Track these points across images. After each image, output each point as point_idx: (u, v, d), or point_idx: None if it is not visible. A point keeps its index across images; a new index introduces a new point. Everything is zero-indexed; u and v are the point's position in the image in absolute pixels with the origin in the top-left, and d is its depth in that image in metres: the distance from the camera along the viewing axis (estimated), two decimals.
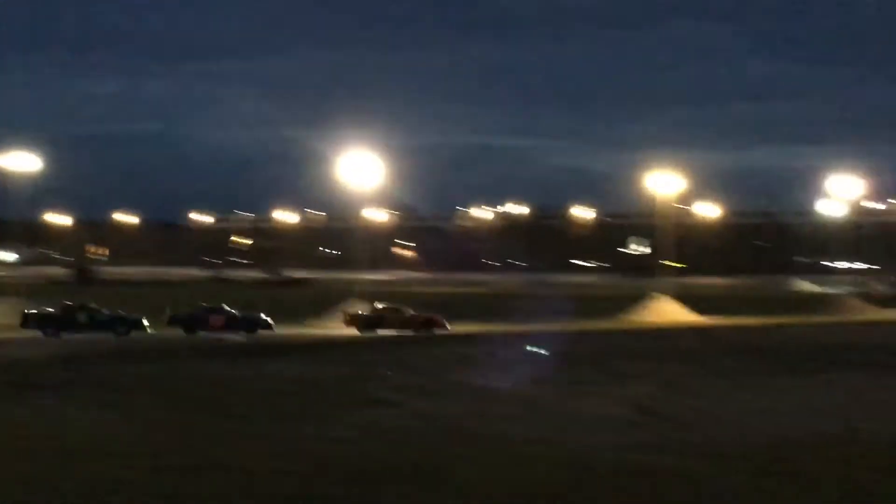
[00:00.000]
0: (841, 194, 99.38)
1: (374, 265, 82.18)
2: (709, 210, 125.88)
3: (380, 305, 40.32)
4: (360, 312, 39.47)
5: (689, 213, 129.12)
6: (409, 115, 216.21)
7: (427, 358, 24.01)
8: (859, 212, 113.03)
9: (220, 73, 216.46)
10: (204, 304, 37.73)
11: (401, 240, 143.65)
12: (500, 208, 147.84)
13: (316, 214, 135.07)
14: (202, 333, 34.44)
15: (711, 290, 76.13)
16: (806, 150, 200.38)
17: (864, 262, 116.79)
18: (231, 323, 35.73)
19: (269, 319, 36.58)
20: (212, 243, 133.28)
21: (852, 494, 9.34)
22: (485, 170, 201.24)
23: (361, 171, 54.49)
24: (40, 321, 34.35)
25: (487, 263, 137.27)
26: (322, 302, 44.91)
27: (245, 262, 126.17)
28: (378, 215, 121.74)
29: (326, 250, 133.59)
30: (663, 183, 65.16)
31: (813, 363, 23.14)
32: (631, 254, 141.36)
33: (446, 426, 13.85)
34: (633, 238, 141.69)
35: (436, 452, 11.37)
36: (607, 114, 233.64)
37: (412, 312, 39.28)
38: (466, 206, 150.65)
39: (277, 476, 9.80)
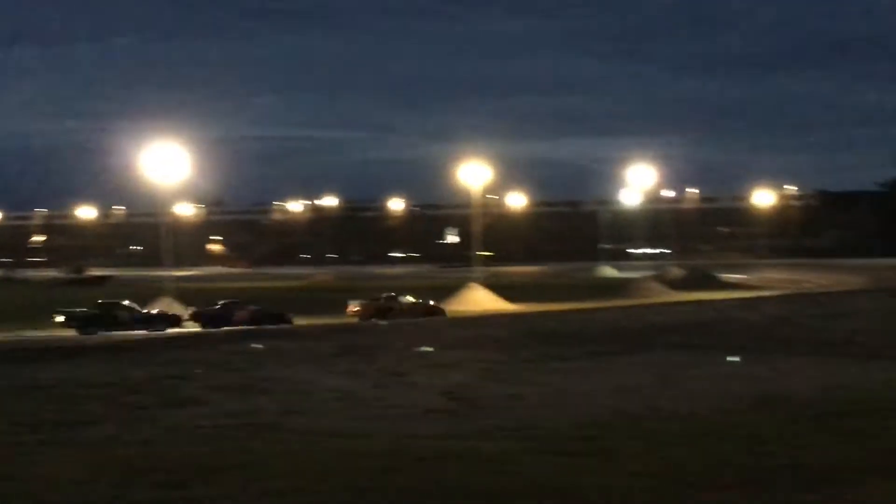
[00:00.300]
0: (638, 184, 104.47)
1: (183, 261, 79.91)
2: (518, 200, 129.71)
3: (384, 296, 45.50)
4: (365, 303, 44.08)
5: (499, 203, 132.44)
6: (218, 106, 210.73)
7: (242, 354, 23.48)
8: (655, 200, 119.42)
9: (13, 61, 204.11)
10: (230, 300, 39.14)
11: (213, 234, 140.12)
12: (315, 201, 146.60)
13: (118, 210, 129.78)
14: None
15: (521, 278, 78.38)
16: (608, 142, 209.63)
17: (661, 248, 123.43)
18: (256, 318, 36.77)
19: (289, 315, 38.06)
20: (7, 242, 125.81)
21: (654, 467, 9.79)
22: (299, 162, 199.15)
23: (167, 164, 52.76)
24: (83, 321, 33.73)
25: (302, 257, 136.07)
26: (123, 299, 43.07)
27: (41, 260, 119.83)
28: (186, 210, 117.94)
29: (131, 247, 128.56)
30: (475, 174, 66.48)
31: (618, 345, 24.16)
32: (445, 244, 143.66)
33: (258, 424, 13.54)
34: (447, 229, 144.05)
35: (246, 451, 11.09)
36: (421, 105, 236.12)
37: (413, 301, 44.19)
38: (281, 199, 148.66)
39: (75, 484, 9.27)
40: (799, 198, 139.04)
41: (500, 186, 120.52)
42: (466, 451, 10.83)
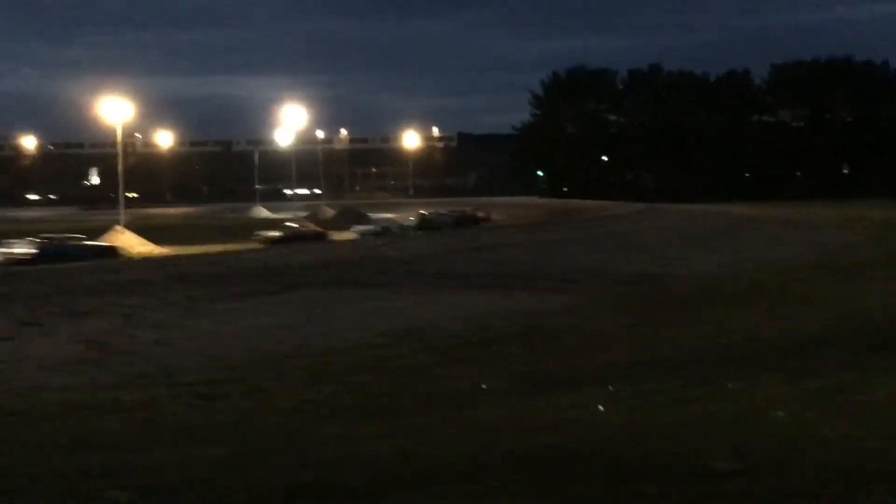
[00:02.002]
0: (291, 124, 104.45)
1: None
2: (165, 139, 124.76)
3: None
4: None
5: (146, 142, 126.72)
6: None
7: None
8: (308, 140, 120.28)
9: None
10: None
11: None
12: None
13: None
14: None
15: (171, 220, 75.83)
16: (260, 81, 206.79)
17: (314, 188, 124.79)
18: None
19: None
20: None
21: (299, 403, 9.93)
22: None
23: None
24: None
25: None
26: None
27: None
28: None
29: None
30: (116, 110, 62.91)
31: (269, 286, 24.09)
32: (88, 185, 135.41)
33: None
34: (92, 168, 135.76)
35: None
36: (55, 36, 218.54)
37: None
38: None
39: None
40: (442, 139, 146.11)
41: (145, 125, 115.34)
42: (104, 401, 10.32)
